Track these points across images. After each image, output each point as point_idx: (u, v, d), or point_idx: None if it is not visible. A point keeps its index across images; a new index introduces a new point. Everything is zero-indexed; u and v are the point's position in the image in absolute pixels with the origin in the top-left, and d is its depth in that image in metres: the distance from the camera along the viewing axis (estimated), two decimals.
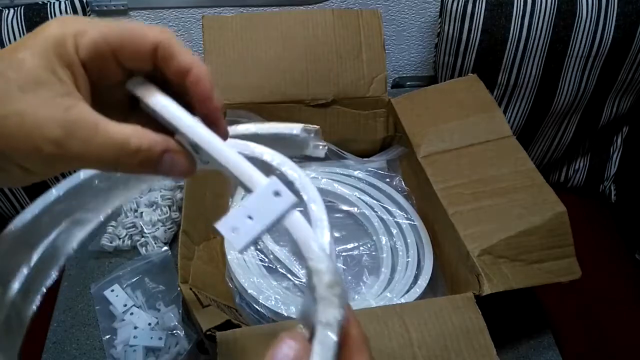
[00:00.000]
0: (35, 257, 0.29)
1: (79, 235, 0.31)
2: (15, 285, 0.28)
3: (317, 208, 0.28)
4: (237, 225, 0.24)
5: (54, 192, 0.31)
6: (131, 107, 0.29)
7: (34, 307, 0.29)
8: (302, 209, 0.26)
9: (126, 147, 0.23)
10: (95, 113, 0.23)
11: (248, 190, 0.25)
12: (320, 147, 0.37)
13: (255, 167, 0.26)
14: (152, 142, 0.24)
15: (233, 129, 0.35)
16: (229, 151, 0.26)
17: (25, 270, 0.29)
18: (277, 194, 0.24)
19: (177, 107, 0.26)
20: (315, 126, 0.37)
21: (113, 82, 0.26)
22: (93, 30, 0.24)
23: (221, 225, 0.24)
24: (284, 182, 0.25)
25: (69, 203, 0.31)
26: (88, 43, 0.24)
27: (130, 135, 0.24)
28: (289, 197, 0.24)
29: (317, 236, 0.25)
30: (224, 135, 0.27)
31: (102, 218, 0.32)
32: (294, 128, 0.36)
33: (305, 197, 0.28)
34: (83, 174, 0.32)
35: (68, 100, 0.23)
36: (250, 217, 0.24)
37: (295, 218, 0.24)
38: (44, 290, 0.30)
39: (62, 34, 0.24)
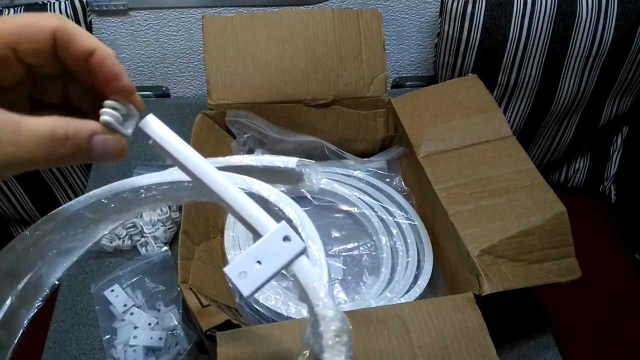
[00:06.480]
0: (19, 288, 0.29)
1: (65, 265, 0.31)
2: None
3: (315, 247, 0.28)
4: (246, 270, 0.23)
5: (42, 224, 0.30)
6: (33, 106, 0.27)
7: (16, 339, 0.28)
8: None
9: (55, 136, 0.22)
10: (9, 112, 0.22)
11: (256, 234, 0.25)
12: (314, 180, 0.37)
13: (264, 211, 0.25)
14: (78, 128, 0.23)
15: (227, 160, 0.34)
16: (238, 193, 0.25)
17: (8, 302, 0.28)
18: (286, 239, 0.24)
19: (176, 137, 0.26)
20: (310, 161, 0.36)
21: (13, 83, 0.25)
22: None
23: (230, 270, 0.24)
24: (275, 217, 0.25)
25: (58, 234, 0.30)
26: None
27: (54, 124, 0.23)
28: (298, 243, 0.24)
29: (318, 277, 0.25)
30: (140, 109, 0.26)
31: (88, 246, 0.31)
32: (290, 162, 0.35)
33: (303, 235, 0.28)
34: (76, 206, 0.31)
35: None
36: (259, 262, 0.24)
37: (303, 263, 0.24)
38: (26, 323, 0.29)
39: None
